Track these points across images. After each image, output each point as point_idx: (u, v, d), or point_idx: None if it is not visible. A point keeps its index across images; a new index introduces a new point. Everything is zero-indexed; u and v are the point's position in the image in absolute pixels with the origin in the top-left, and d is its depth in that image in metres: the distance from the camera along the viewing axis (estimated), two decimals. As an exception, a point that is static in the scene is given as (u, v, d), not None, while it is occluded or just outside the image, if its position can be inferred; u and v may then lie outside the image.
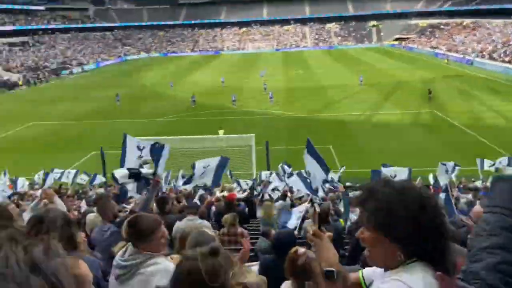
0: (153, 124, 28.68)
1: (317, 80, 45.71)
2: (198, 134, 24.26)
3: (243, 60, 71.15)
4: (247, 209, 9.13)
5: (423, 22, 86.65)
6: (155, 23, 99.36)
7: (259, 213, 8.59)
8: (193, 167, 7.72)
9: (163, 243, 2.53)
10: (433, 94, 33.21)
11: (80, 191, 14.60)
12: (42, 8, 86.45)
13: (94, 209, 5.55)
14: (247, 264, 3.96)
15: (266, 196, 11.27)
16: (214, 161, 7.66)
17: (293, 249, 2.29)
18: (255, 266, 3.52)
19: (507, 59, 48.46)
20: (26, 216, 4.13)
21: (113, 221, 4.18)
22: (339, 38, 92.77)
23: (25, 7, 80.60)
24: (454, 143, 21.85)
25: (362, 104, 32.90)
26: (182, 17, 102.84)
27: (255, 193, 13.29)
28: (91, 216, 4.76)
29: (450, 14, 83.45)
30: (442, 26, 79.59)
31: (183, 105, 35.05)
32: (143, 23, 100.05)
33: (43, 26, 78.77)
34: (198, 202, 9.48)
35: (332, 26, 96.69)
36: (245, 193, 10.77)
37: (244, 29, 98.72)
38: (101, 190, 13.88)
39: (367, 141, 23.37)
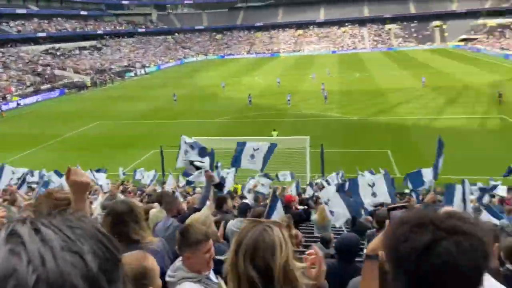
0: (207, 124, 29.35)
1: (376, 83, 44.33)
2: (252, 136, 24.39)
3: (299, 63, 70.82)
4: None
5: (492, 22, 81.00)
6: (213, 26, 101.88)
7: (314, 216, 8.47)
8: (240, 145, 7.61)
9: (207, 258, 2.48)
10: (503, 98, 30.92)
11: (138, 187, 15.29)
12: (110, 14, 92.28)
13: (155, 204, 5.77)
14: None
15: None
16: (264, 146, 7.62)
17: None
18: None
19: None
20: (96, 206, 4.39)
21: (176, 216, 4.32)
22: (400, 39, 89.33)
23: (95, 13, 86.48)
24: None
25: (424, 108, 31.45)
26: (240, 20, 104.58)
27: (308, 196, 13.16)
28: (154, 211, 4.94)
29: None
30: (514, 26, 74.05)
31: (237, 106, 35.55)
32: (202, 27, 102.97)
33: (110, 31, 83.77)
34: (252, 202, 9.53)
35: (392, 27, 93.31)
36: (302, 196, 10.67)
37: (300, 31, 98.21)
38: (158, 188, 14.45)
39: (428, 146, 22.24)
